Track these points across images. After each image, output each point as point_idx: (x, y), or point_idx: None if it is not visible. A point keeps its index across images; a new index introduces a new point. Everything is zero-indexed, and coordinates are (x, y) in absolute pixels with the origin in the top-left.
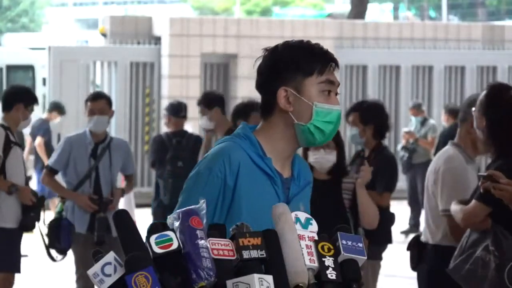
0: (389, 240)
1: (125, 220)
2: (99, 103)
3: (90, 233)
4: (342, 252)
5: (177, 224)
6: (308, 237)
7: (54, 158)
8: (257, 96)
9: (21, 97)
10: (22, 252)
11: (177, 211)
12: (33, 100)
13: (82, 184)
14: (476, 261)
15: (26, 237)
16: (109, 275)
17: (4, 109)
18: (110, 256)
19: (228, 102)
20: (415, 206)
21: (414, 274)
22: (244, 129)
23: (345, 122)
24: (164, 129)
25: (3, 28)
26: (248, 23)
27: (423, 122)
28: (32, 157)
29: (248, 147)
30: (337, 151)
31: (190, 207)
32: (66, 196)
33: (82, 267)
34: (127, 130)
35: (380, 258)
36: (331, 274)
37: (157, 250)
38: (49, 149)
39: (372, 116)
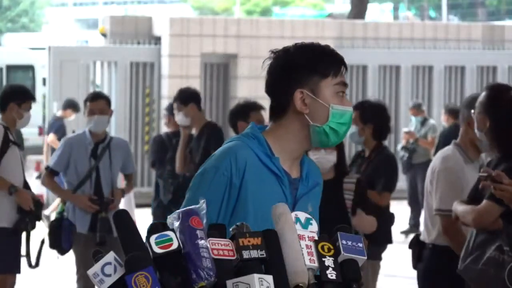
0: (389, 240)
1: (125, 220)
2: (98, 103)
3: (91, 233)
4: (342, 252)
5: (177, 224)
6: (308, 237)
7: (54, 159)
8: (256, 96)
9: (14, 97)
10: (22, 252)
11: (177, 211)
12: (27, 98)
13: (82, 184)
14: (488, 261)
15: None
16: (109, 275)
17: (1, 110)
18: (110, 256)
19: (228, 102)
20: (415, 206)
21: (414, 274)
22: (253, 129)
23: None
24: (164, 129)
25: (3, 28)
26: (248, 23)
27: (423, 122)
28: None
29: (256, 146)
30: (337, 151)
31: (190, 207)
32: (66, 198)
33: (82, 267)
34: (127, 130)
35: (380, 258)
36: (331, 274)
37: (157, 250)
38: None
39: (372, 116)
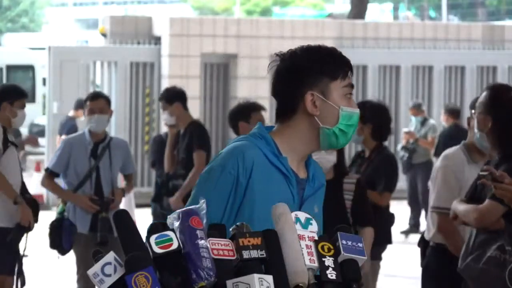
0: (389, 240)
1: (125, 220)
2: (98, 102)
3: (92, 233)
4: (342, 252)
5: (177, 224)
6: (308, 237)
7: (54, 161)
8: (256, 96)
9: (5, 96)
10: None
11: (177, 211)
12: (19, 96)
13: (82, 184)
14: (489, 261)
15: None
16: (109, 275)
17: None
18: (110, 256)
19: (228, 102)
20: (415, 206)
21: (414, 274)
22: (260, 129)
23: None
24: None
25: (3, 28)
26: (248, 23)
27: (423, 122)
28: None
29: (263, 146)
30: (337, 152)
31: (190, 207)
32: (66, 199)
33: (83, 267)
34: (127, 130)
35: (380, 258)
36: (331, 274)
37: (157, 250)
38: None
39: (372, 116)
